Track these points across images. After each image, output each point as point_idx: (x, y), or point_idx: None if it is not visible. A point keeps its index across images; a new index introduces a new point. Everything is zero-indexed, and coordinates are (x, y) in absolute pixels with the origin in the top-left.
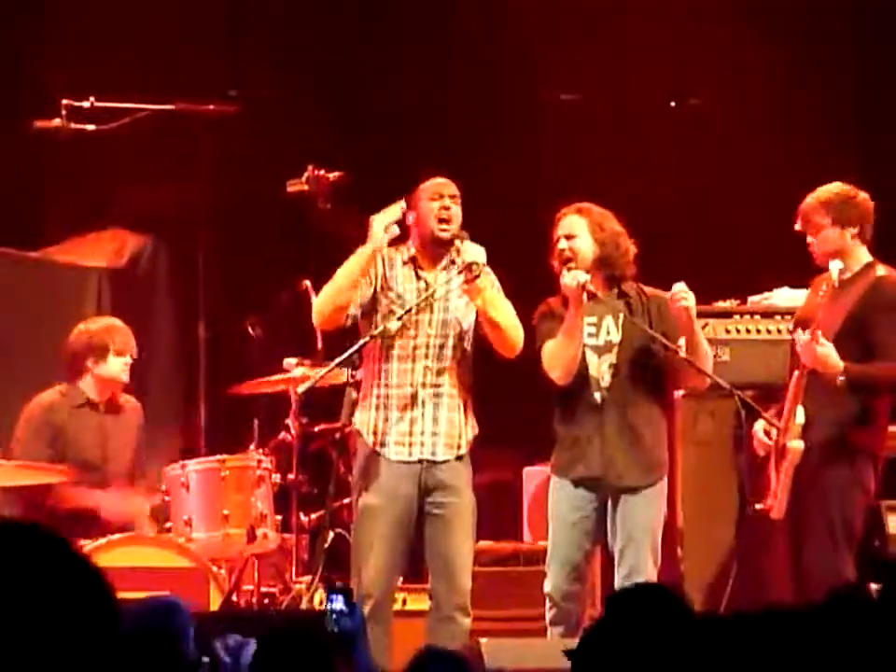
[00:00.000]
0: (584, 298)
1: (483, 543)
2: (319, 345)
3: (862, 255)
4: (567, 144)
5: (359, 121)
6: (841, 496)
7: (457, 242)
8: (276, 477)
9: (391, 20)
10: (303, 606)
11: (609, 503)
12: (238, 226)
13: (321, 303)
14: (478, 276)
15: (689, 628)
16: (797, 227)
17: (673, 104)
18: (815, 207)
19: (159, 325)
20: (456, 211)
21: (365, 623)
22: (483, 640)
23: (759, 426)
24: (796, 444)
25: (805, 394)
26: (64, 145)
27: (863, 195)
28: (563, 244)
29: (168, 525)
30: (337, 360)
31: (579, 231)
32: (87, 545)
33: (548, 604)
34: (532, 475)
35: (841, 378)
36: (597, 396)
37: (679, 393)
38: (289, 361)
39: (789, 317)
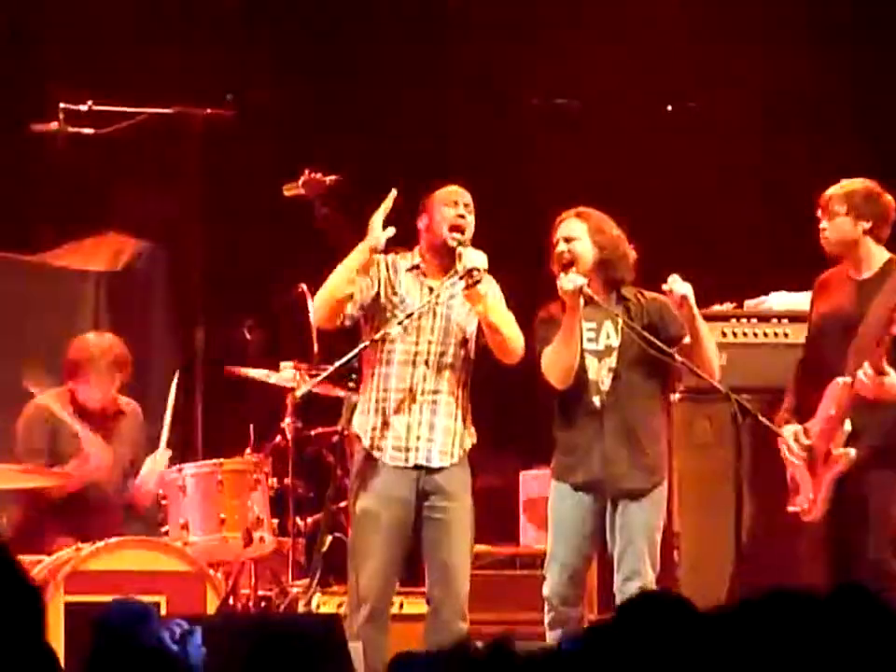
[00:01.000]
0: (582, 302)
1: (481, 547)
2: (315, 349)
3: (878, 252)
4: (564, 148)
5: (356, 125)
6: (885, 500)
7: (459, 248)
8: (273, 481)
9: (388, 24)
10: (300, 609)
11: (609, 507)
12: (235, 230)
13: (318, 301)
14: (479, 282)
15: (701, 638)
16: (818, 213)
17: (669, 108)
18: (836, 195)
19: (156, 329)
20: (471, 220)
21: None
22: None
23: (788, 432)
24: (850, 452)
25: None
26: (62, 148)
27: (888, 196)
28: (562, 247)
29: (165, 528)
30: (337, 364)
31: (579, 235)
32: (84, 548)
33: (546, 607)
34: (529, 479)
35: None
36: (597, 400)
37: (675, 396)
38: (285, 365)
39: (786, 321)
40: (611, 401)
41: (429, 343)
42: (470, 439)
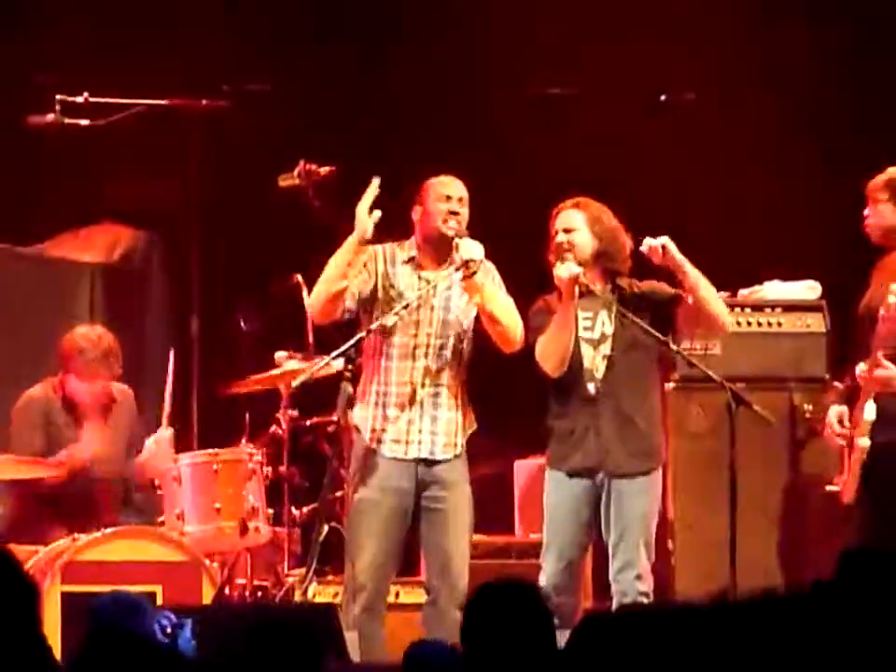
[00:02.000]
0: (577, 291)
1: (476, 536)
2: (310, 339)
3: None
4: (560, 138)
5: (351, 115)
6: None
7: (456, 239)
8: (268, 470)
9: (383, 14)
10: (296, 599)
11: (605, 495)
12: (231, 220)
13: (314, 297)
14: (475, 272)
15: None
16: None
17: (664, 97)
18: (879, 183)
19: (152, 319)
20: (464, 214)
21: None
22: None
23: (833, 414)
24: (863, 443)
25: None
26: (58, 140)
27: None
28: (561, 237)
29: (160, 518)
30: (333, 354)
31: (577, 225)
32: (81, 538)
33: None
34: (524, 468)
35: None
36: (591, 387)
37: (669, 385)
38: (280, 355)
39: (780, 310)
40: (606, 388)
41: (428, 335)
42: (471, 428)
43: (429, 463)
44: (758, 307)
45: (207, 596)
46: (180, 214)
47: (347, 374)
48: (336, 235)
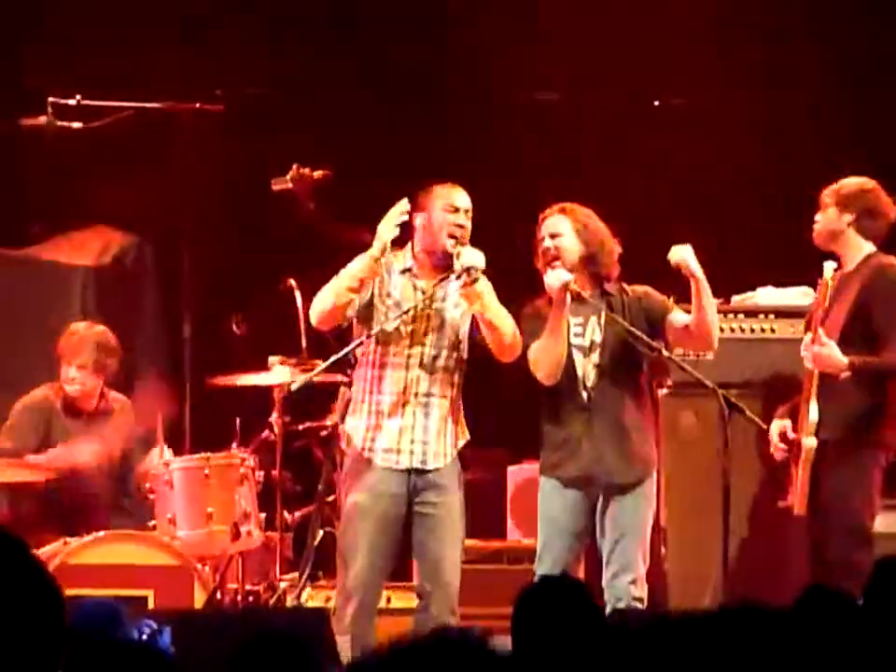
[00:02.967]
0: (568, 297)
1: (468, 541)
2: (304, 344)
3: (863, 246)
4: (548, 144)
5: (344, 120)
6: (852, 492)
7: (457, 248)
8: (260, 475)
9: (375, 18)
10: (289, 603)
11: (599, 502)
12: (223, 224)
13: (320, 304)
14: (476, 280)
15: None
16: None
17: (657, 103)
18: (830, 191)
19: (144, 323)
20: (469, 227)
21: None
22: None
23: (774, 428)
24: (810, 442)
25: (818, 391)
26: (50, 142)
27: (879, 192)
28: (548, 242)
29: (152, 523)
30: (332, 359)
31: (563, 231)
32: (72, 542)
33: None
34: (516, 474)
35: (846, 373)
36: (584, 395)
37: (662, 391)
38: (273, 359)
39: (772, 316)
40: (598, 396)
41: (423, 345)
42: (463, 437)
43: (421, 472)
44: (751, 313)
45: (199, 601)
46: (173, 217)
47: (346, 380)
48: (330, 240)
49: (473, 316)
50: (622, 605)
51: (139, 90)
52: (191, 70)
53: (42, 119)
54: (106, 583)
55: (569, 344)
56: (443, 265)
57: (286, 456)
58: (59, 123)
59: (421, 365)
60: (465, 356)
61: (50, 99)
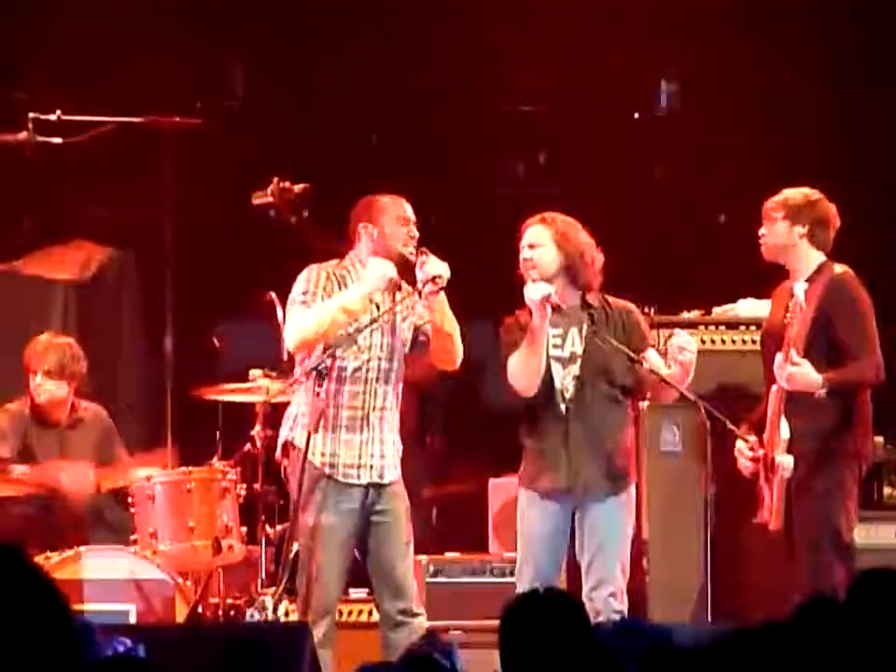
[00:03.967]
0: (549, 310)
1: (451, 555)
2: (285, 357)
3: (813, 256)
4: (531, 155)
5: (325, 134)
6: (829, 505)
7: (422, 256)
8: (242, 489)
9: (354, 32)
10: (269, 617)
11: (578, 514)
12: (204, 238)
13: (307, 331)
14: (442, 289)
15: None
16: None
17: (637, 115)
18: (776, 202)
19: (125, 337)
20: (416, 234)
21: None
22: None
23: (741, 445)
24: (786, 459)
25: (786, 406)
26: (31, 158)
27: (825, 202)
28: (527, 253)
29: (133, 537)
30: (305, 369)
31: (543, 241)
32: (53, 557)
33: None
34: (498, 487)
35: (821, 391)
36: (563, 407)
37: (644, 404)
38: (255, 373)
39: (753, 328)
40: (577, 408)
41: (379, 359)
42: (401, 449)
43: (378, 486)
44: (732, 325)
45: (181, 615)
46: (154, 231)
47: (318, 391)
48: (310, 253)
49: (415, 327)
50: (601, 618)
51: (119, 104)
52: (171, 83)
53: (22, 135)
54: (88, 598)
55: (548, 356)
56: (399, 273)
57: (267, 470)
58: (39, 138)
59: (377, 379)
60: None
61: (31, 114)
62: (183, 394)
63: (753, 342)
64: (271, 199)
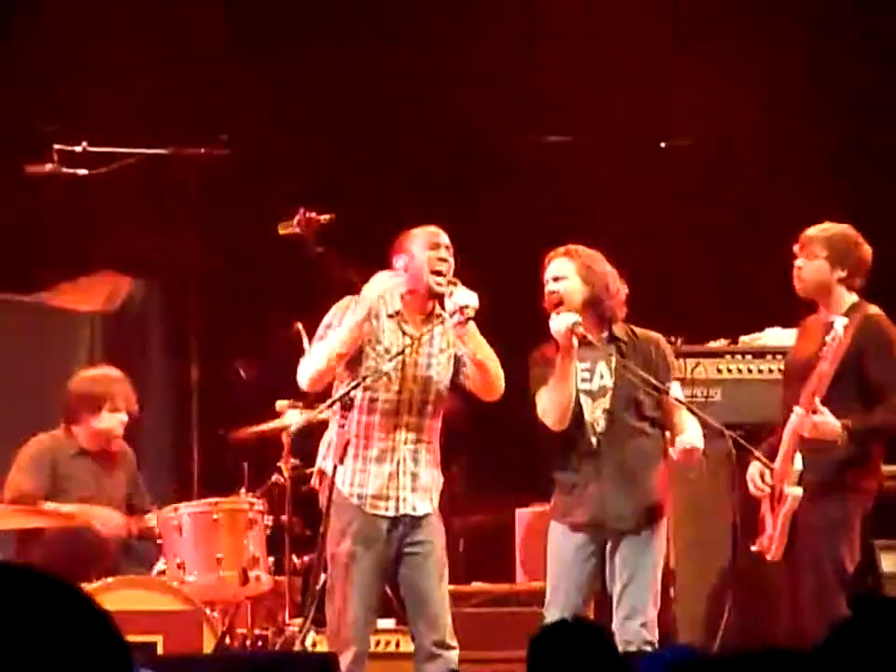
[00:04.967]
0: (575, 342)
1: (477, 584)
2: None
3: (847, 297)
4: (557, 186)
5: (350, 164)
6: (831, 536)
7: (450, 287)
8: (269, 519)
9: (379, 63)
10: (296, 648)
11: (609, 546)
12: (230, 269)
13: (311, 370)
14: (470, 319)
15: None
16: (795, 248)
17: (663, 144)
18: (818, 238)
19: (151, 368)
20: (451, 262)
21: None
22: None
23: (753, 469)
24: (795, 491)
25: (802, 440)
26: (57, 189)
27: (866, 247)
28: (551, 286)
29: (161, 567)
30: (329, 401)
31: (567, 274)
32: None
33: None
34: (525, 517)
35: (843, 436)
36: (594, 440)
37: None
38: (281, 403)
39: (780, 357)
40: (607, 442)
41: (412, 392)
42: (441, 480)
43: (409, 518)
44: (758, 354)
45: (208, 646)
46: (179, 262)
47: (342, 421)
48: (337, 284)
49: (456, 359)
50: (632, 648)
51: (144, 135)
52: (196, 115)
53: (48, 167)
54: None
55: (577, 389)
56: (430, 306)
57: (294, 500)
58: (65, 170)
59: (410, 412)
60: (446, 401)
61: (56, 146)
62: (209, 424)
63: (780, 370)
64: (297, 229)
